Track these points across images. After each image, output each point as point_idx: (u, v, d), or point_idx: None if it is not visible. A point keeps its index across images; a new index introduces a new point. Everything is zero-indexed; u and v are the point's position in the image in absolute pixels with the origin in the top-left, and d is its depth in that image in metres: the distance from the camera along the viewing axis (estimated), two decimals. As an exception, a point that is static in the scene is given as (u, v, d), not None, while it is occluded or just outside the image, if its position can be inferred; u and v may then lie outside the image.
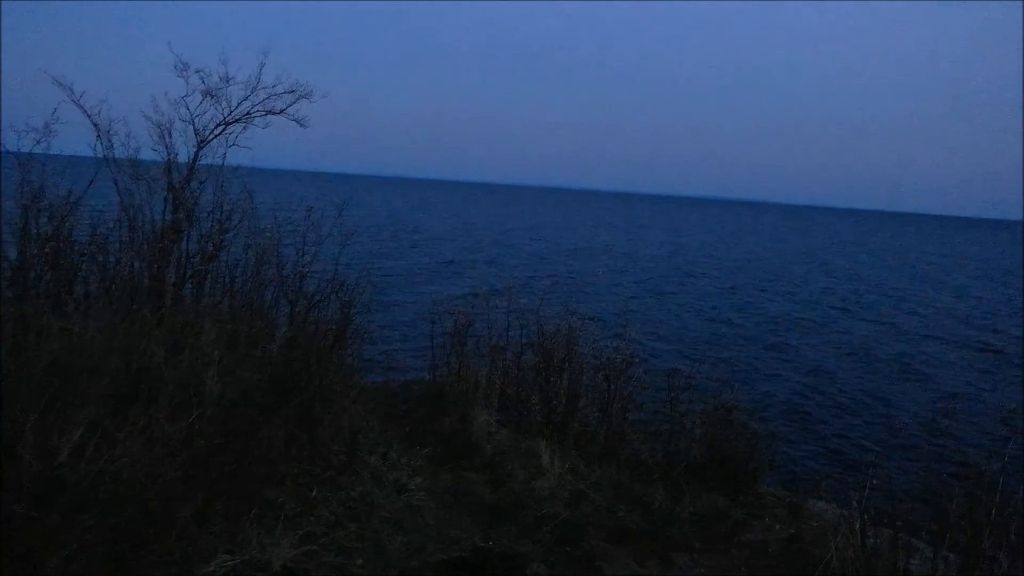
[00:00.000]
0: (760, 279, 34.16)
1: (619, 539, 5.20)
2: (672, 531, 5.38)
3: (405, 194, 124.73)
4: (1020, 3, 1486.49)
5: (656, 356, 14.94)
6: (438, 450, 6.04)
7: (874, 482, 4.06)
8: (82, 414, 4.31)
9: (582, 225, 71.14)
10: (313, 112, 7.79)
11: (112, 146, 6.68)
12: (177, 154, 7.06)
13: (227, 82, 7.16)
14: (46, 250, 6.25)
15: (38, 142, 6.23)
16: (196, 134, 7.16)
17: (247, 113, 7.38)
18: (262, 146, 7.68)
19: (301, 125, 7.73)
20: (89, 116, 6.60)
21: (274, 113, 7.55)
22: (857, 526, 3.81)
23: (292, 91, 7.53)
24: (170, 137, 6.99)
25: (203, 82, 7.09)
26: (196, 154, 7.15)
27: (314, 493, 4.79)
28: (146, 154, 6.92)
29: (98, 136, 6.62)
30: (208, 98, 7.11)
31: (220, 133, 7.30)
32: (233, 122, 7.33)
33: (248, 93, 7.34)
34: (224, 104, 7.25)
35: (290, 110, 7.57)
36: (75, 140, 6.62)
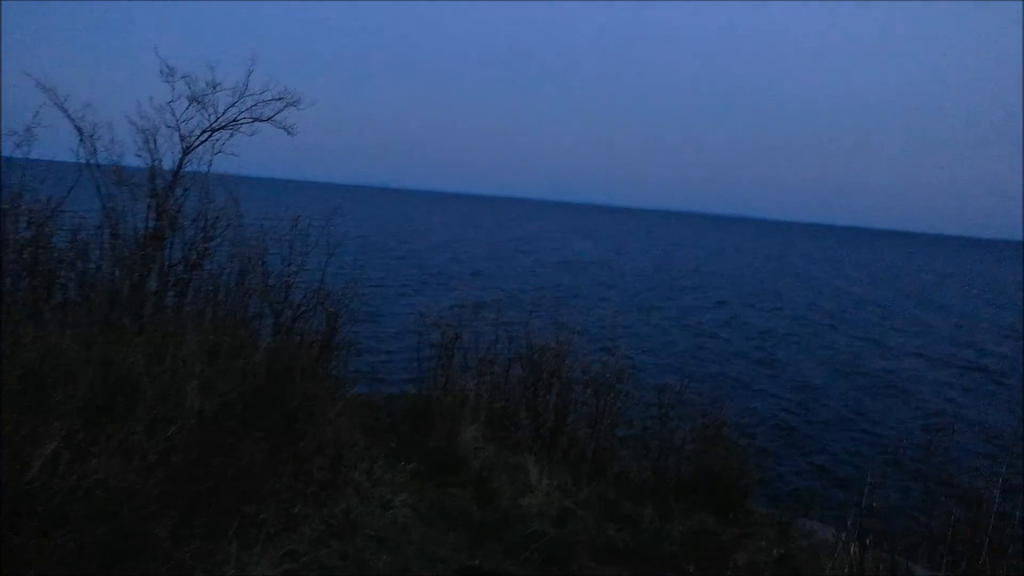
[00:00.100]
0: (746, 294, 34.33)
1: (608, 559, 5.11)
2: (661, 550, 5.29)
3: (392, 204, 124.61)
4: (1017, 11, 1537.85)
5: (643, 370, 14.90)
6: (424, 465, 5.92)
7: (874, 505, 3.99)
8: (56, 426, 4.16)
9: (567, 238, 71.31)
10: (301, 120, 7.70)
11: (95, 151, 6.54)
12: (161, 160, 6.94)
13: (214, 88, 7.06)
14: (24, 256, 6.08)
15: (18, 145, 6.09)
16: (181, 140, 7.04)
17: (234, 120, 7.28)
18: (249, 154, 7.58)
19: (289, 133, 7.63)
20: (72, 120, 6.47)
21: (261, 120, 7.45)
22: (854, 549, 3.74)
23: (280, 98, 7.45)
24: (155, 143, 6.87)
25: (189, 88, 6.99)
26: (181, 160, 7.02)
27: (296, 509, 4.66)
28: (130, 160, 6.79)
29: (81, 140, 6.49)
30: (194, 104, 7.01)
31: (206, 140, 7.19)
32: (219, 129, 7.22)
33: (235, 99, 7.25)
34: (210, 110, 7.15)
35: (278, 117, 7.48)
36: (57, 144, 6.48)
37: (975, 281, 57.70)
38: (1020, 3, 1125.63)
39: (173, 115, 7.00)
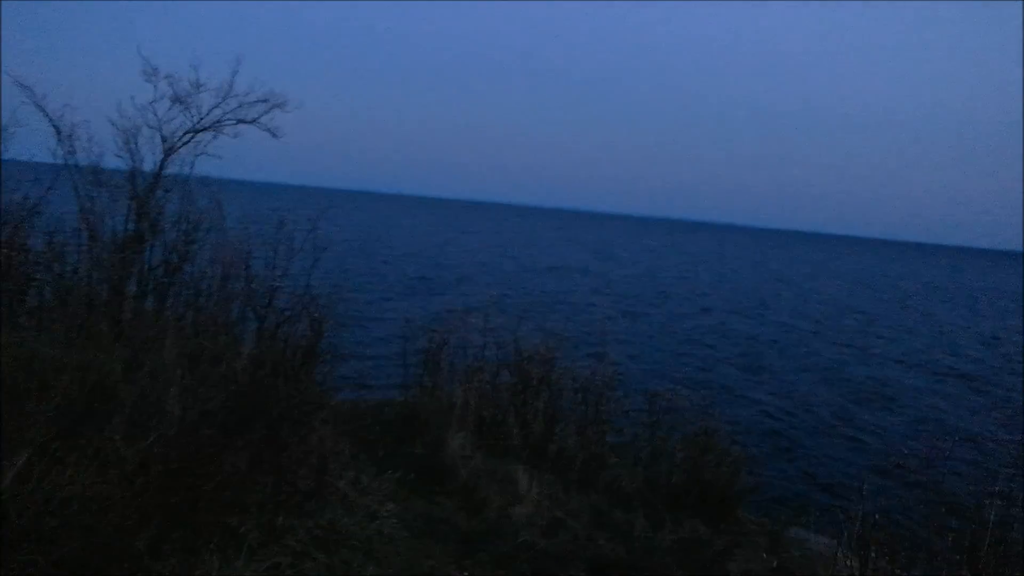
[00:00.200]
0: (732, 301, 34.46)
1: (599, 570, 5.01)
2: (653, 561, 5.20)
3: (378, 209, 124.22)
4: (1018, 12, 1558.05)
5: (630, 376, 14.84)
6: (411, 474, 5.79)
7: (876, 516, 3.92)
8: (30, 435, 4.00)
9: (552, 244, 71.35)
10: (287, 123, 7.58)
11: (74, 151, 6.37)
12: (143, 161, 6.77)
13: (197, 88, 6.93)
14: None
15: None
16: (163, 141, 6.89)
17: (217, 121, 7.15)
18: (234, 157, 7.44)
19: (274, 135, 7.50)
20: (51, 119, 6.29)
21: (246, 122, 7.33)
22: (849, 561, 3.67)
23: (265, 100, 7.33)
24: (135, 144, 6.71)
25: (172, 88, 6.84)
26: (163, 162, 6.87)
27: (280, 520, 4.51)
28: (109, 161, 6.62)
29: (59, 140, 6.31)
30: (177, 104, 6.87)
31: (189, 141, 7.05)
32: (203, 130, 7.09)
33: (219, 100, 7.12)
34: (194, 111, 7.01)
35: (263, 119, 7.36)
36: (34, 144, 6.31)
37: (958, 290, 58.43)
38: (1020, 3, 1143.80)
39: (155, 115, 6.87)
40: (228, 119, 7.21)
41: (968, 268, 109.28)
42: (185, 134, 6.97)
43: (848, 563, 3.67)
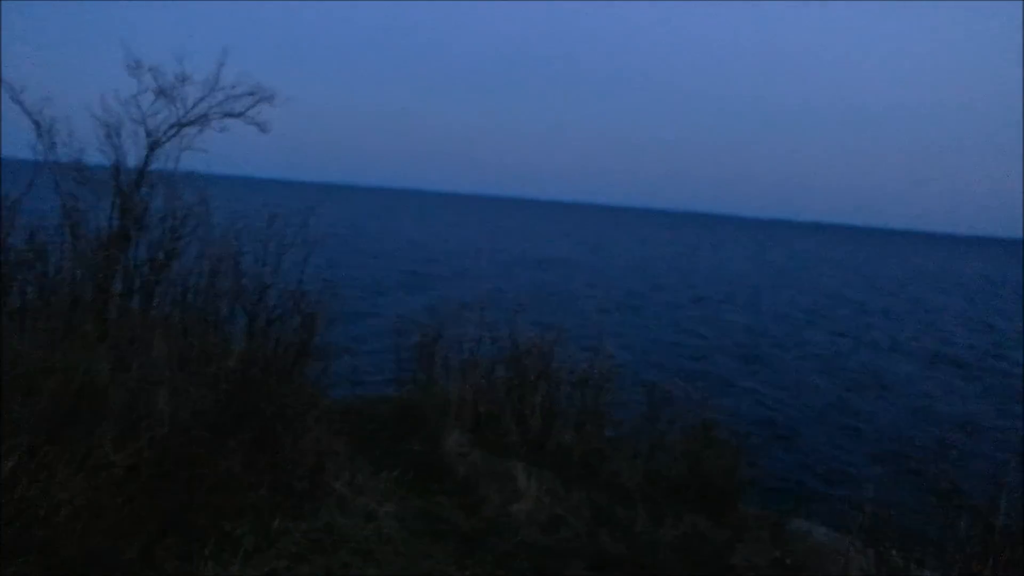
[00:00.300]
0: (725, 291, 34.52)
1: (601, 567, 4.94)
2: (656, 557, 5.14)
3: (368, 203, 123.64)
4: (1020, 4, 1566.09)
5: (626, 368, 14.80)
6: (408, 473, 5.69)
7: (886, 514, 3.85)
8: (16, 441, 3.87)
9: (544, 236, 71.26)
10: (276, 117, 7.41)
11: (54, 146, 6.19)
12: (126, 156, 6.60)
13: (183, 81, 6.74)
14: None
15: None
16: (148, 135, 6.71)
17: (203, 115, 6.96)
18: (221, 151, 7.28)
19: (262, 129, 7.33)
20: (30, 113, 6.11)
21: (233, 116, 7.15)
22: (856, 556, 3.60)
23: (252, 93, 7.15)
24: (119, 138, 6.53)
25: (156, 81, 6.65)
26: (147, 157, 6.69)
27: (276, 524, 4.41)
28: (92, 156, 6.44)
29: (39, 135, 6.13)
30: (161, 97, 6.68)
31: (174, 135, 6.86)
32: (188, 124, 6.90)
33: (205, 93, 6.94)
34: (179, 104, 6.83)
35: (250, 113, 7.18)
36: (12, 140, 6.13)
37: (945, 277, 58.78)
38: (1020, 2, 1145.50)
39: (139, 109, 6.68)
40: (214, 112, 7.04)
41: (965, 256, 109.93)
42: (170, 128, 6.79)
43: (861, 558, 3.60)
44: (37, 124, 6.11)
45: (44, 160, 6.21)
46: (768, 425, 12.95)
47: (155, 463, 4.41)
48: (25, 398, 4.37)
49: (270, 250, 6.69)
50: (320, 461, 5.11)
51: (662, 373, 13.99)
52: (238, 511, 4.41)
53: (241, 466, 4.71)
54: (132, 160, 6.65)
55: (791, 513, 6.47)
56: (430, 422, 6.50)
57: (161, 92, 6.66)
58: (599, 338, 7.85)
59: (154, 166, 6.75)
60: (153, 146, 6.72)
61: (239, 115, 7.16)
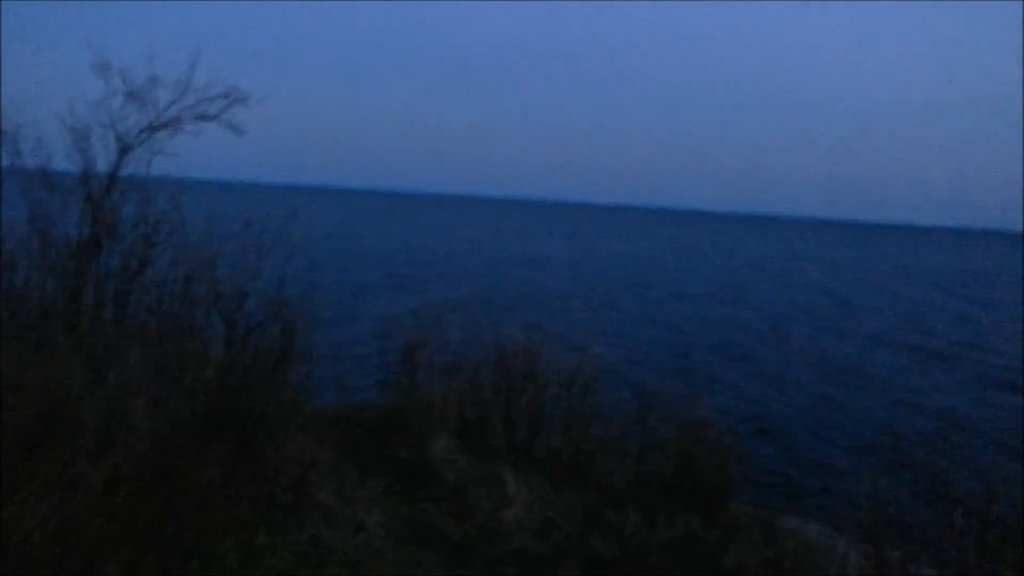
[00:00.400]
0: (707, 287, 34.64)
1: (594, 571, 4.85)
2: (648, 559, 5.06)
3: (349, 206, 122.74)
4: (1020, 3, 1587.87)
5: (615, 369, 14.77)
6: (395, 481, 5.58)
7: (881, 510, 3.79)
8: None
9: (529, 236, 71.17)
10: (251, 119, 7.23)
11: (20, 153, 5.98)
12: (96, 162, 6.39)
13: (154, 83, 6.54)
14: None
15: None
16: (118, 140, 6.50)
17: (176, 117, 6.77)
18: (194, 155, 7.08)
19: (236, 132, 7.15)
20: (-7, 120, 5.90)
21: (206, 118, 6.96)
22: (850, 553, 3.54)
23: (226, 95, 6.96)
24: (88, 143, 6.32)
25: (126, 83, 6.44)
26: (118, 162, 6.48)
27: (259, 539, 4.27)
28: (59, 163, 6.23)
29: (3, 141, 5.92)
30: (132, 100, 6.47)
31: (145, 139, 6.66)
32: (160, 127, 6.70)
33: (177, 96, 6.74)
34: (150, 108, 6.63)
35: (224, 115, 6.99)
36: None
37: (925, 271, 59.49)
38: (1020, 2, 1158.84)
39: (108, 113, 6.47)
40: (187, 115, 6.84)
41: (949, 249, 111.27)
42: (141, 132, 6.59)
43: (857, 555, 3.55)
44: (2, 131, 5.90)
45: (10, 166, 5.99)
46: (753, 419, 12.96)
47: (134, 478, 4.25)
48: (-5, 415, 4.18)
49: (248, 256, 6.51)
50: (304, 471, 4.96)
51: (646, 370, 13.97)
52: (220, 527, 4.25)
53: (222, 478, 4.56)
54: (102, 166, 6.44)
55: (781, 508, 6.43)
56: (415, 428, 6.38)
57: (131, 95, 6.46)
58: (585, 337, 7.77)
59: (125, 171, 6.54)
60: (124, 151, 6.52)
61: (213, 117, 6.97)
